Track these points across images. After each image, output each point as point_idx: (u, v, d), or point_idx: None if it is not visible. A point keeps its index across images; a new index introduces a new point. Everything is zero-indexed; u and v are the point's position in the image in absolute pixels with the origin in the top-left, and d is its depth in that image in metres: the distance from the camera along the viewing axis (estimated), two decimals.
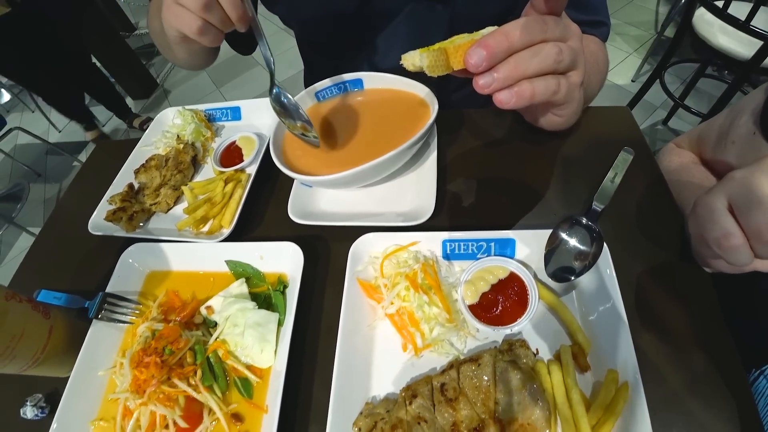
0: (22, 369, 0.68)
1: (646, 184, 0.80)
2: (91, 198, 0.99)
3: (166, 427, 0.65)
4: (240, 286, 0.76)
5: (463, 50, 0.55)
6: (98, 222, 0.94)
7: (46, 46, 3.00)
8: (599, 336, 0.62)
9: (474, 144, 0.93)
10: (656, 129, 2.81)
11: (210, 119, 1.14)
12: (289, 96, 0.81)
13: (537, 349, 0.63)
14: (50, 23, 3.00)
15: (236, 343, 0.70)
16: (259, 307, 0.73)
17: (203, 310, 0.75)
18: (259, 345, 0.69)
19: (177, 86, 4.32)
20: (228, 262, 0.81)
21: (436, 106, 0.79)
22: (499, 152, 0.91)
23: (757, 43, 1.84)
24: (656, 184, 0.80)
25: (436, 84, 0.83)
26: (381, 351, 0.68)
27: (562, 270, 0.66)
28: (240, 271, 0.80)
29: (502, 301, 0.65)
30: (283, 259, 0.78)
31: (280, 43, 3.89)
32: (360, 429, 0.59)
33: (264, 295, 0.76)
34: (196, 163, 1.04)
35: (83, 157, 3.75)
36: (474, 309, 0.65)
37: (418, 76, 0.85)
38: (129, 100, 4.25)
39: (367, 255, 0.74)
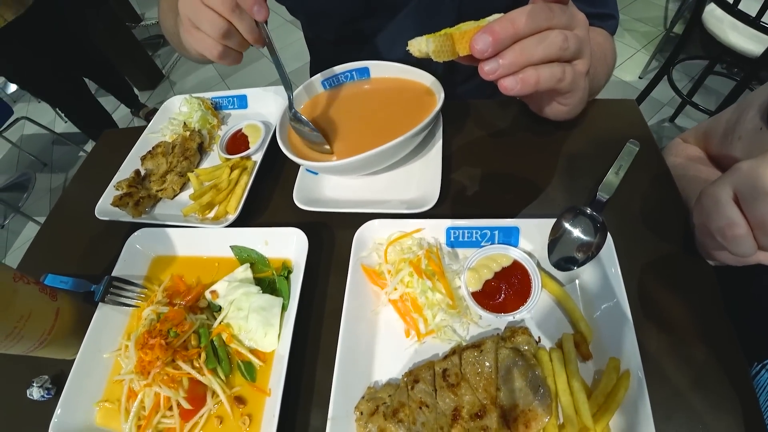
0: (29, 350, 0.69)
1: (651, 177, 0.80)
2: (97, 184, 0.99)
3: (170, 408, 0.66)
4: (245, 271, 0.76)
5: (469, 36, 0.55)
6: (105, 207, 0.95)
7: (61, 49, 2.92)
8: (601, 325, 0.62)
9: (479, 134, 0.93)
10: (663, 126, 2.79)
11: (216, 107, 1.14)
12: (305, 118, 0.84)
13: (539, 337, 0.63)
14: (62, 21, 2.90)
15: (240, 327, 0.71)
16: (263, 292, 0.73)
17: (208, 295, 0.76)
18: (263, 329, 0.69)
19: (183, 77, 4.33)
20: (233, 248, 0.81)
21: (442, 95, 0.79)
22: (504, 143, 0.91)
23: None
24: (661, 177, 0.79)
25: (442, 76, 0.83)
26: (384, 336, 0.68)
27: (565, 259, 0.66)
28: (245, 256, 0.80)
29: (505, 289, 0.66)
30: (287, 245, 0.78)
31: (286, 36, 3.89)
32: (362, 413, 0.60)
33: (268, 280, 0.77)
34: (202, 151, 1.05)
35: (89, 147, 3.77)
36: (477, 296, 0.65)
37: (425, 66, 0.86)
38: (135, 91, 4.29)
39: (371, 241, 0.75)
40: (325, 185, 0.90)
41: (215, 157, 1.04)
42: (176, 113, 1.13)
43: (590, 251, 0.65)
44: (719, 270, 0.67)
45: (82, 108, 3.25)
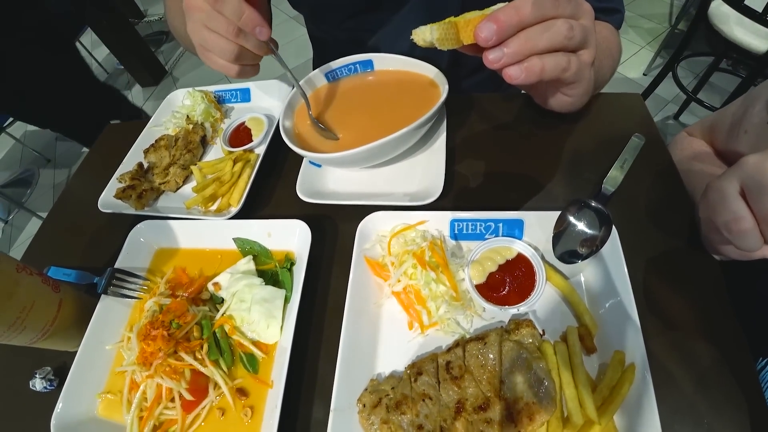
0: (32, 341, 0.69)
1: (656, 171, 0.79)
2: (101, 177, 0.99)
3: (172, 400, 0.66)
4: (247, 263, 0.76)
5: (473, 24, 0.55)
6: (108, 200, 0.94)
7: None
8: (606, 319, 0.62)
9: (483, 127, 0.92)
10: (667, 123, 2.78)
11: (219, 100, 1.14)
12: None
13: (543, 330, 0.63)
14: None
15: (242, 319, 0.71)
16: (266, 284, 0.73)
17: (210, 287, 0.76)
18: (266, 321, 0.69)
19: (186, 73, 4.33)
20: (236, 240, 0.81)
21: (446, 87, 0.78)
22: (509, 136, 0.90)
23: None
24: (666, 171, 0.79)
25: (446, 70, 0.83)
26: (387, 329, 0.68)
27: (570, 252, 0.65)
28: (247, 248, 0.80)
29: (509, 282, 0.65)
30: (290, 237, 0.78)
31: (290, 32, 3.88)
32: (365, 405, 0.59)
33: (271, 272, 0.76)
34: (205, 144, 1.05)
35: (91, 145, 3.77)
36: (481, 288, 0.65)
37: (429, 60, 0.86)
38: (137, 88, 4.29)
39: (374, 233, 0.75)
40: (328, 178, 0.89)
41: (218, 150, 1.04)
42: (179, 106, 1.13)
43: (595, 244, 0.64)
44: (725, 265, 0.67)
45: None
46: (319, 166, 0.89)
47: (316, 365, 0.68)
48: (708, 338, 0.61)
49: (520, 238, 0.69)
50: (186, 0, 0.70)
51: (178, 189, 0.97)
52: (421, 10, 0.95)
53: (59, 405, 0.67)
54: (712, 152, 0.89)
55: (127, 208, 0.92)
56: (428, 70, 0.86)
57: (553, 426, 0.55)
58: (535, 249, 0.68)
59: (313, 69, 0.94)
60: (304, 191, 0.83)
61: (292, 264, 0.76)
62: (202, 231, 0.84)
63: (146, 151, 1.03)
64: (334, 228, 0.82)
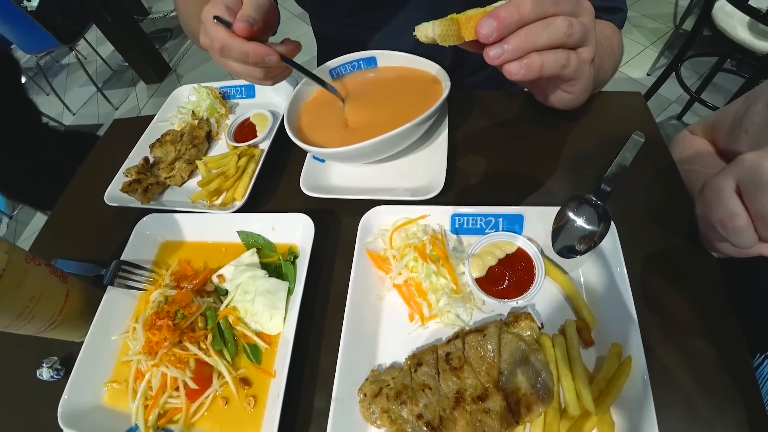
0: (40, 330, 0.70)
1: (656, 170, 0.79)
2: (107, 172, 1.01)
3: (177, 389, 0.67)
4: (251, 256, 0.77)
5: (474, 21, 0.56)
6: (114, 193, 0.96)
7: None
8: (604, 313, 0.62)
9: (485, 124, 0.93)
10: (671, 123, 2.77)
11: (224, 96, 1.15)
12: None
13: (542, 323, 0.64)
14: None
15: (246, 310, 0.72)
16: (269, 277, 0.74)
17: (215, 278, 0.77)
18: (269, 312, 0.70)
19: (190, 70, 4.35)
20: (240, 233, 0.82)
21: (449, 83, 0.79)
22: (510, 133, 0.91)
23: None
24: (666, 169, 0.79)
25: (449, 69, 0.84)
26: (388, 320, 0.69)
27: (569, 247, 0.66)
28: (251, 241, 0.81)
29: (508, 276, 0.66)
30: (294, 231, 0.79)
31: (293, 30, 3.89)
32: (365, 395, 0.60)
33: (274, 265, 0.77)
34: (210, 139, 1.06)
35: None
36: (481, 282, 0.66)
37: (432, 58, 0.86)
38: (141, 85, 4.31)
39: (377, 227, 0.76)
40: (331, 173, 0.90)
41: (223, 145, 1.05)
42: (185, 102, 1.14)
43: (594, 240, 0.65)
44: (723, 262, 0.67)
45: None
46: (323, 161, 0.90)
47: (318, 356, 0.69)
48: (705, 334, 0.61)
49: (519, 233, 0.70)
50: (203, 41, 0.75)
51: (183, 183, 0.98)
52: (425, 8, 0.96)
53: (66, 394, 0.68)
54: (714, 151, 0.90)
55: (133, 202, 0.93)
56: (431, 67, 0.86)
57: (551, 417, 0.55)
58: (535, 244, 0.69)
59: (317, 66, 0.95)
60: (307, 186, 0.85)
61: (296, 257, 0.77)
62: (206, 224, 0.85)
63: (152, 146, 1.05)
64: (337, 222, 0.83)
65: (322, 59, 1.33)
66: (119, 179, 0.98)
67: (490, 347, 0.59)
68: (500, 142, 0.90)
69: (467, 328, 0.65)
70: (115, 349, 0.76)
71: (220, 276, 0.77)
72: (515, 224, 0.71)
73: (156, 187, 0.95)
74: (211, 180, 0.90)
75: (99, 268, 0.84)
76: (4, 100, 2.44)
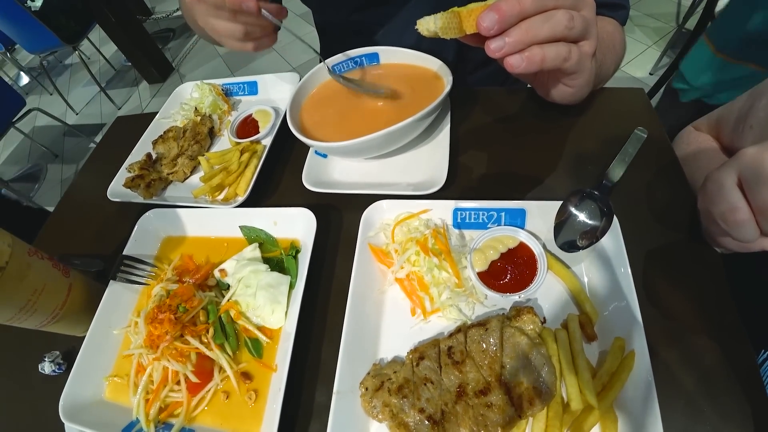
0: (42, 324, 0.70)
1: (658, 165, 0.79)
2: (110, 168, 1.01)
3: (178, 383, 0.67)
4: (253, 251, 0.77)
5: (476, 14, 0.56)
6: (117, 189, 0.96)
7: None
8: (607, 307, 0.62)
9: (487, 120, 0.93)
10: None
11: (227, 93, 1.16)
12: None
13: (544, 318, 0.63)
14: None
15: (248, 304, 0.72)
16: (271, 271, 0.74)
17: (217, 273, 0.77)
18: (271, 306, 0.70)
19: (192, 70, 4.37)
20: (242, 228, 0.82)
21: (451, 79, 0.79)
22: (512, 129, 0.91)
23: None
24: (669, 164, 0.79)
25: (452, 65, 0.84)
26: (390, 315, 0.69)
27: (571, 242, 0.66)
28: (253, 236, 0.81)
29: (511, 270, 0.66)
30: (296, 225, 0.79)
31: (295, 30, 3.88)
32: (367, 388, 0.60)
33: (276, 259, 0.77)
34: (212, 136, 1.06)
35: (100, 138, 3.81)
36: (483, 276, 0.65)
37: (435, 55, 0.86)
38: (144, 84, 4.32)
39: (379, 221, 0.75)
40: (334, 168, 0.90)
41: (225, 141, 1.05)
42: (187, 99, 1.14)
43: (596, 234, 0.65)
44: (726, 257, 0.67)
45: None
46: (325, 156, 0.90)
47: (319, 350, 0.69)
48: (709, 330, 0.61)
49: (522, 228, 0.70)
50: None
51: (185, 179, 0.98)
52: (428, 3, 0.96)
53: (67, 388, 0.68)
54: (718, 147, 0.89)
55: (136, 197, 0.93)
56: (433, 63, 0.87)
57: (553, 411, 0.55)
58: (537, 238, 0.68)
59: (320, 62, 0.95)
60: (309, 181, 0.85)
61: (298, 251, 0.77)
62: (208, 219, 0.85)
63: (155, 142, 1.05)
64: (339, 217, 0.83)
65: (325, 55, 1.32)
66: (122, 175, 0.98)
67: (492, 341, 0.59)
68: (502, 137, 0.89)
69: (469, 323, 0.65)
70: (117, 343, 0.76)
71: (222, 270, 0.77)
72: (517, 219, 0.71)
73: (158, 183, 0.95)
74: (213, 175, 0.90)
75: (101, 263, 0.84)
76: None
